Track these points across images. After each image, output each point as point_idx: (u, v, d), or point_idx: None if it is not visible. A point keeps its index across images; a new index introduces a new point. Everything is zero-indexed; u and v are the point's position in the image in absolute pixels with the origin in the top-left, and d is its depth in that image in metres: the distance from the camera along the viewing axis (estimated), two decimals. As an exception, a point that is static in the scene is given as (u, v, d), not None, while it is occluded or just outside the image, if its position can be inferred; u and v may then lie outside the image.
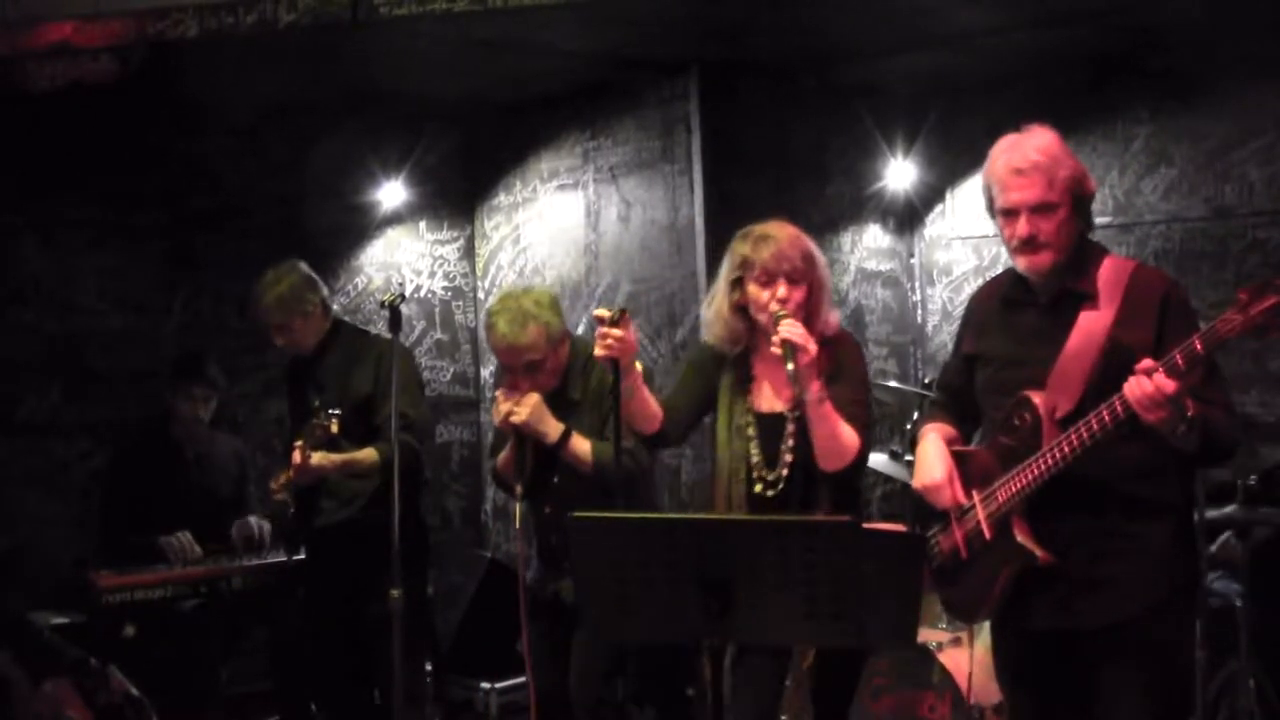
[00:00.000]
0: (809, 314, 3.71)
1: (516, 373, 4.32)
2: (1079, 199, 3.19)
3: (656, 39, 5.54)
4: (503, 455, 4.40)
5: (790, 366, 3.51)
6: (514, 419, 4.21)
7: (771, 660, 3.82)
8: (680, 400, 3.98)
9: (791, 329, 3.54)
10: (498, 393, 4.36)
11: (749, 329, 3.81)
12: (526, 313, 4.25)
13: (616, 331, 3.57)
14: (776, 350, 3.56)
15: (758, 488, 3.75)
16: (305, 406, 4.90)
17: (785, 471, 3.72)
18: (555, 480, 4.36)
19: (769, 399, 3.80)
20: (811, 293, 3.72)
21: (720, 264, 3.89)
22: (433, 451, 6.71)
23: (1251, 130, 5.75)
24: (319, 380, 4.97)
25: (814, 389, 3.55)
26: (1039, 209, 3.16)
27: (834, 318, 3.80)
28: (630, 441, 4.09)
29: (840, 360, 3.74)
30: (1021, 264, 3.24)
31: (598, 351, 3.61)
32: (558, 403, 4.33)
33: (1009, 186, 3.19)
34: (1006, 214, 3.21)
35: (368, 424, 4.81)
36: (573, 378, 4.39)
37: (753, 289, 3.73)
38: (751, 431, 3.79)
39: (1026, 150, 3.18)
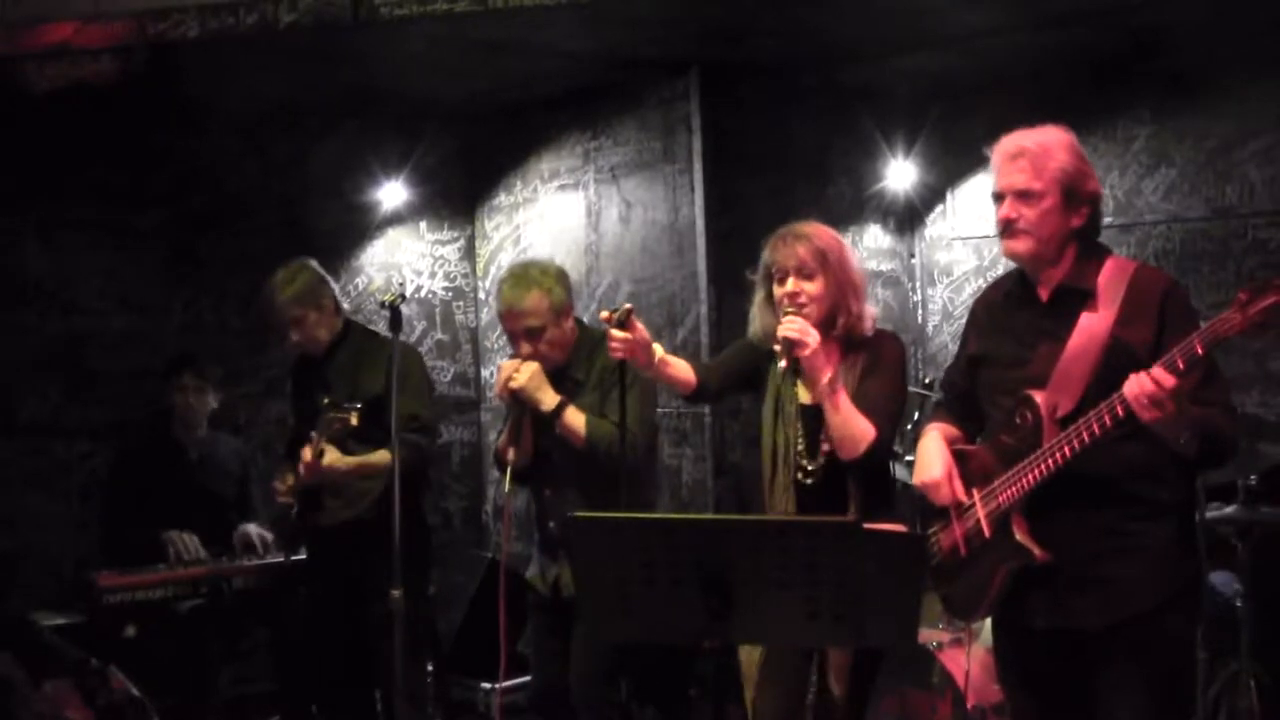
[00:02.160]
0: (830, 309, 3.77)
1: (519, 338, 4.38)
2: (1070, 193, 3.20)
3: (657, 39, 5.54)
4: (502, 438, 4.43)
5: (781, 364, 3.64)
6: (513, 384, 4.26)
7: (800, 656, 3.83)
8: (724, 360, 4.13)
9: (789, 325, 3.62)
10: (501, 363, 4.41)
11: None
12: (531, 279, 4.35)
13: (619, 333, 3.63)
14: (777, 346, 3.65)
15: (799, 475, 3.80)
16: (312, 406, 4.88)
17: (824, 461, 3.76)
18: (554, 460, 4.38)
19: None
20: (829, 288, 3.76)
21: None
22: (435, 447, 6.71)
23: (1252, 130, 5.75)
24: (326, 379, 4.94)
25: (823, 378, 3.63)
26: (1022, 195, 3.21)
27: (869, 312, 3.84)
28: (631, 428, 4.14)
29: (876, 358, 3.80)
30: (1002, 248, 3.30)
31: (611, 354, 3.70)
32: (561, 381, 4.37)
33: (999, 171, 3.27)
34: (996, 198, 3.28)
35: (378, 425, 4.80)
36: (578, 358, 4.44)
37: (775, 288, 3.83)
38: (797, 420, 3.83)
39: (1022, 139, 3.25)
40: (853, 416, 3.65)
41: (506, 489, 4.39)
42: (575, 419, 4.27)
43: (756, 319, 3.93)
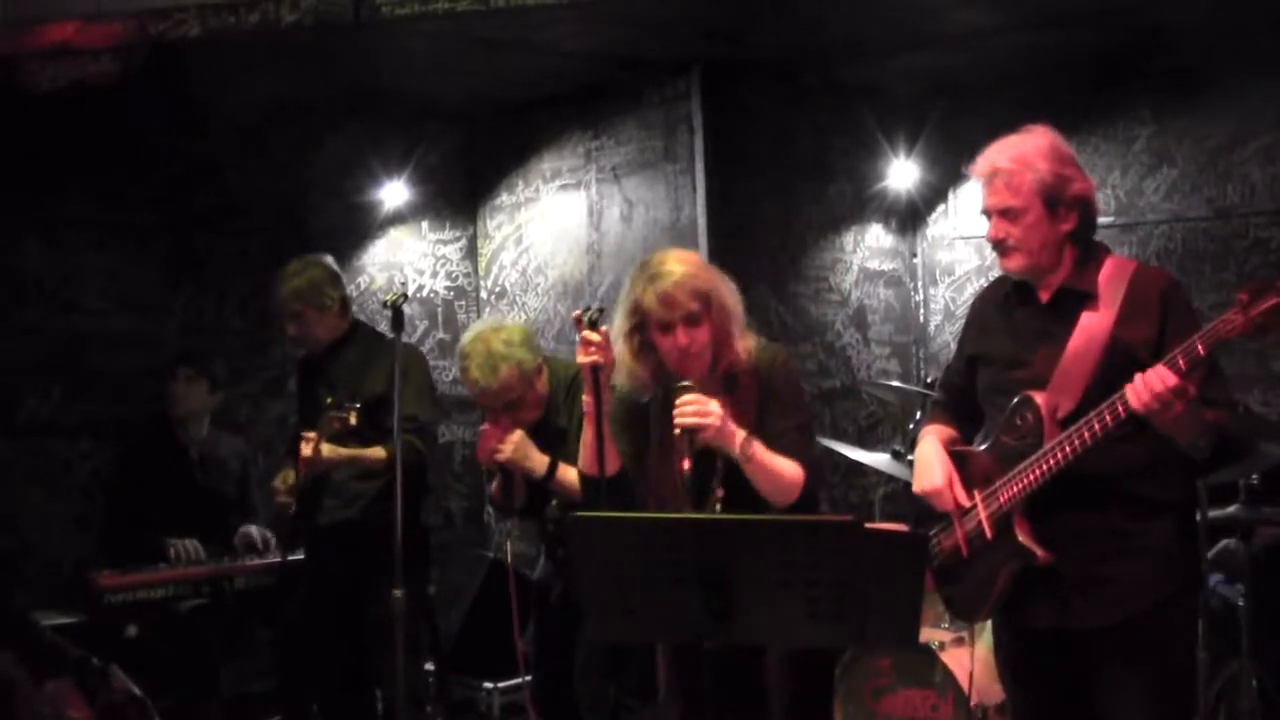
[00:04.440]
0: (716, 351, 3.48)
1: (496, 412, 4.31)
2: (1053, 201, 3.19)
3: (658, 39, 5.54)
4: (494, 485, 4.41)
5: (686, 464, 3.29)
6: (498, 457, 4.21)
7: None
8: (623, 451, 3.64)
9: (684, 412, 3.31)
10: (481, 429, 4.34)
11: (656, 370, 3.54)
12: (497, 354, 4.22)
13: (594, 335, 3.39)
14: (678, 431, 3.32)
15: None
16: (316, 404, 4.89)
17: (718, 507, 3.45)
18: (553, 503, 4.36)
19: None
20: (715, 329, 3.46)
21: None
22: (435, 452, 6.72)
23: (1253, 130, 5.75)
24: (331, 378, 4.95)
25: (735, 446, 3.35)
26: (1005, 214, 3.22)
27: (745, 345, 3.51)
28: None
29: (767, 386, 3.50)
30: (999, 265, 3.32)
31: (579, 358, 3.41)
32: (545, 432, 4.33)
33: (983, 190, 3.27)
34: (985, 215, 3.29)
35: (378, 425, 4.81)
36: (556, 406, 4.38)
37: (655, 336, 3.48)
38: (682, 478, 3.40)
39: (996, 156, 3.24)
40: (775, 466, 3.39)
41: (509, 558, 4.37)
42: (568, 476, 4.19)
43: (626, 371, 3.53)
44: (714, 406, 3.33)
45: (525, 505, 4.39)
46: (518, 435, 4.23)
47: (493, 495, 4.45)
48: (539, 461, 4.22)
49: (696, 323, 3.43)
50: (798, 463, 3.44)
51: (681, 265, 3.47)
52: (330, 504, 4.94)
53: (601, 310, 3.46)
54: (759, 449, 3.38)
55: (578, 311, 3.45)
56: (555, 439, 4.32)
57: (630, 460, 3.62)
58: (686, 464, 3.30)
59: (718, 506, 3.44)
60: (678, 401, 3.33)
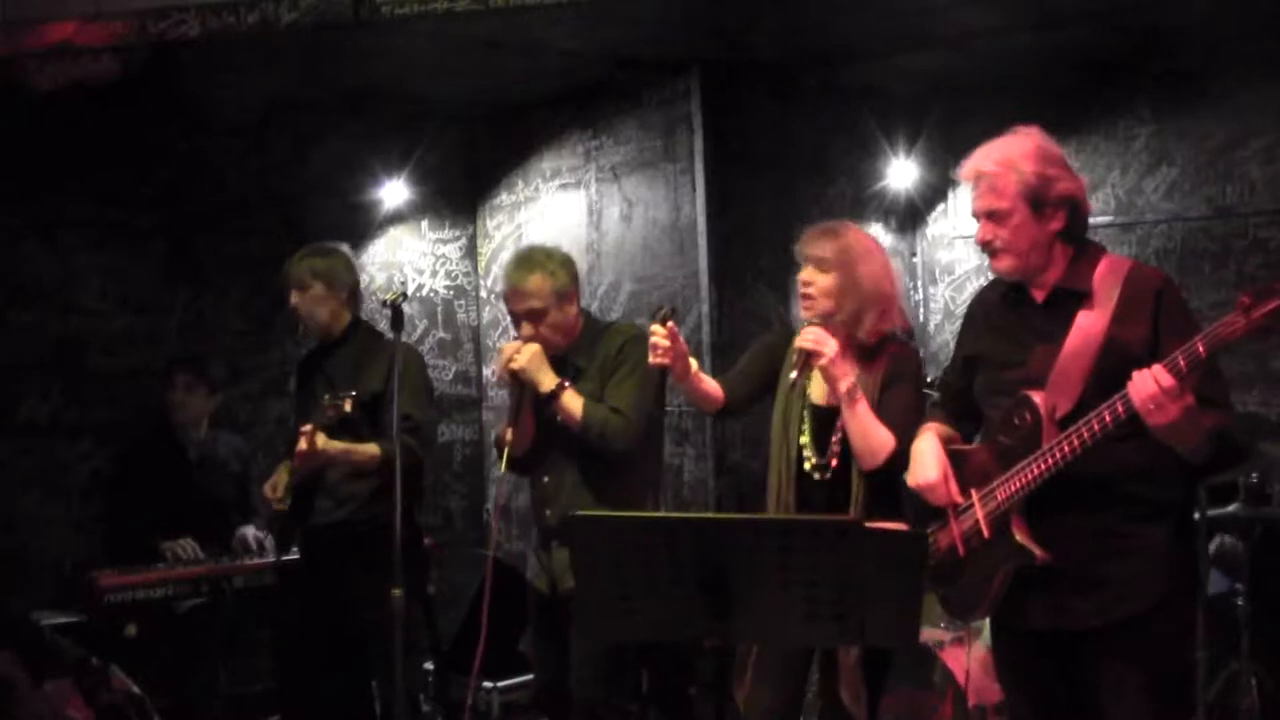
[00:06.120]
0: (844, 311, 3.83)
1: (519, 320, 4.41)
2: (1037, 202, 3.20)
3: (658, 39, 5.54)
4: (501, 427, 4.48)
5: (792, 375, 3.82)
6: (513, 365, 4.29)
7: (796, 655, 3.87)
8: (744, 369, 4.17)
9: (805, 336, 3.75)
10: (502, 345, 4.44)
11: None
12: (534, 260, 4.40)
13: (661, 329, 3.70)
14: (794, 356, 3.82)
15: (803, 469, 3.85)
16: (314, 402, 4.89)
17: (834, 462, 3.81)
18: (554, 446, 4.39)
19: (826, 391, 3.87)
20: (841, 287, 3.82)
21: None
22: (433, 452, 6.71)
23: (1253, 130, 5.74)
24: (329, 376, 4.96)
25: (842, 386, 3.71)
26: (991, 216, 3.24)
27: (884, 325, 3.86)
28: (627, 413, 4.23)
29: (898, 369, 3.86)
30: (990, 266, 3.34)
31: (651, 359, 3.75)
32: (562, 368, 4.39)
33: (971, 194, 3.31)
34: (974, 218, 3.31)
35: (374, 423, 4.81)
36: (581, 346, 4.45)
37: None
38: (806, 420, 3.88)
39: (981, 160, 3.27)
40: (872, 426, 3.72)
41: (502, 469, 4.43)
42: (573, 401, 4.28)
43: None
44: (833, 342, 3.73)
45: (526, 454, 4.42)
46: (535, 347, 4.32)
47: (500, 436, 4.45)
48: (549, 378, 4.30)
49: (824, 270, 3.85)
50: (895, 436, 3.70)
51: (843, 226, 3.97)
52: (324, 504, 4.92)
53: (674, 310, 3.79)
54: (863, 402, 3.73)
55: (656, 324, 3.78)
56: (571, 375, 4.38)
57: (746, 371, 4.15)
58: (795, 374, 3.83)
59: (834, 461, 3.82)
60: (803, 329, 3.81)
